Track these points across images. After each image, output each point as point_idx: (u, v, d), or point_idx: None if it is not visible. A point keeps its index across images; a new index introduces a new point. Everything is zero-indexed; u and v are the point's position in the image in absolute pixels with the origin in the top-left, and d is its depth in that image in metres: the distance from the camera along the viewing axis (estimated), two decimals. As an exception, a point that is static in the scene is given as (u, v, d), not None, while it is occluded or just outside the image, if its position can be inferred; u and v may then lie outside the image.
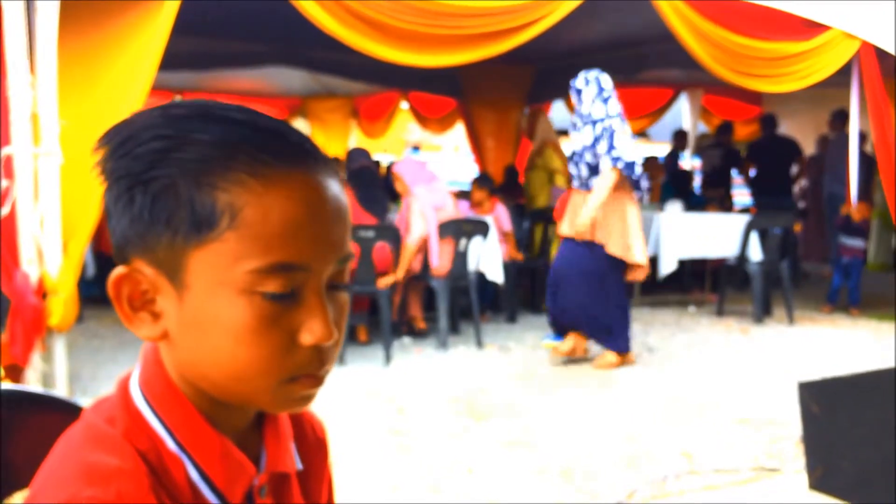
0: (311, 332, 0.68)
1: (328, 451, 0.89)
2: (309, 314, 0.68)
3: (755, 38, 5.73)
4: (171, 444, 0.70)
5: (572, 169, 5.04)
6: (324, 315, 0.69)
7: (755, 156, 8.75)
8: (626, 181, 4.86)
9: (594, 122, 4.83)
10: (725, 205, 8.45)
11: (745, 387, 4.66)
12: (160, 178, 0.66)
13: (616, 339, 5.03)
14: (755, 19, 5.65)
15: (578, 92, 4.91)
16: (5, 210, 3.38)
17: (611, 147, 4.75)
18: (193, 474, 0.71)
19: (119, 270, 0.70)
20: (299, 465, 0.81)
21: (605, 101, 4.86)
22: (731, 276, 7.14)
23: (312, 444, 0.86)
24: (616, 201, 4.84)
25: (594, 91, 4.85)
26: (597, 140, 4.79)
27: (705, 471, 3.37)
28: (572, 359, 5.33)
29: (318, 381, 0.71)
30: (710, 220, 7.07)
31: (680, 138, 10.06)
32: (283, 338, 0.68)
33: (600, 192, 4.76)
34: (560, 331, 5.21)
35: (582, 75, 4.93)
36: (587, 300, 4.95)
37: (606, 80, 4.90)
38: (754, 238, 6.66)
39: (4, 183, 3.38)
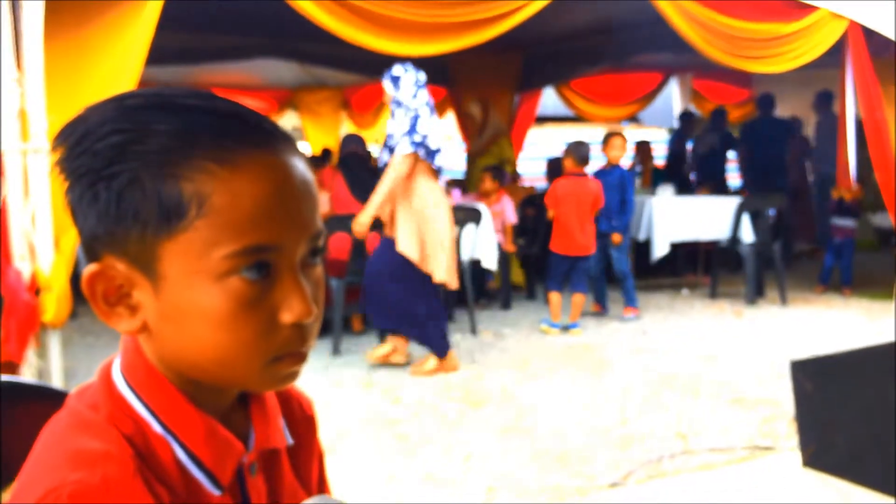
0: (290, 311, 0.69)
1: (317, 427, 0.89)
2: (286, 293, 0.69)
3: (745, 19, 5.73)
4: (156, 426, 0.71)
5: (384, 156, 4.60)
6: (301, 293, 0.69)
7: (749, 137, 8.74)
8: (430, 171, 4.54)
9: (406, 109, 4.54)
10: (719, 188, 8.46)
11: (739, 367, 4.68)
12: (123, 172, 0.65)
13: (430, 340, 4.62)
14: (744, 1, 5.66)
15: (396, 79, 4.62)
16: (-5, 207, 3.38)
17: (412, 131, 4.45)
18: (181, 455, 0.71)
19: (91, 268, 0.69)
20: (290, 440, 0.81)
21: (419, 90, 4.69)
22: (724, 258, 7.16)
23: (300, 420, 0.86)
24: (410, 194, 4.48)
25: (412, 79, 4.63)
26: (409, 133, 4.50)
27: (700, 450, 3.40)
28: (568, 344, 5.35)
29: (301, 357, 0.72)
30: (702, 202, 7.09)
31: (688, 121, 9.96)
32: (264, 319, 0.68)
33: (388, 181, 4.41)
34: (381, 333, 4.95)
35: (398, 65, 4.70)
36: (396, 299, 4.56)
37: (421, 74, 4.72)
38: (746, 220, 6.68)
39: (-6, 180, 3.38)
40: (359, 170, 5.71)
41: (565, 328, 5.69)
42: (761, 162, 8.44)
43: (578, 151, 5.73)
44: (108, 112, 0.68)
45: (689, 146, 9.69)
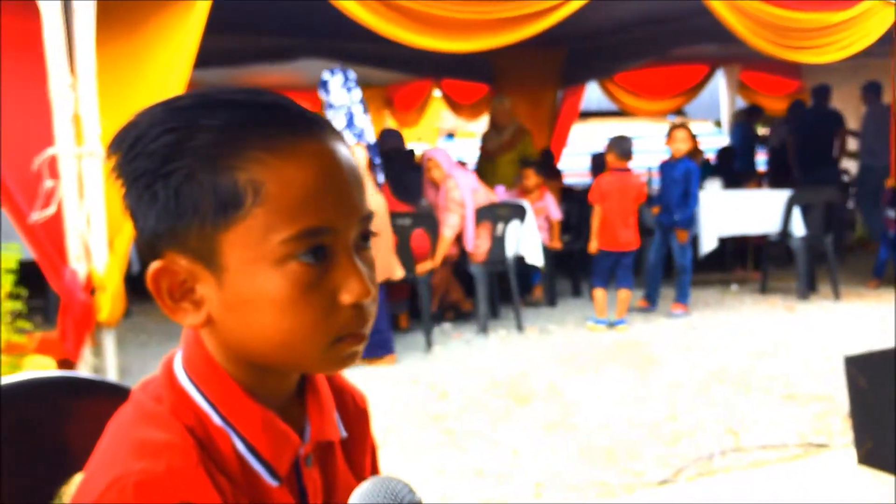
0: (349, 292, 0.70)
1: (370, 420, 0.91)
2: (344, 274, 0.71)
3: (792, 8, 5.61)
4: (216, 418, 0.73)
5: None
6: (358, 273, 0.71)
7: (799, 128, 8.58)
8: (372, 167, 4.70)
9: (339, 109, 4.83)
10: (790, 180, 8.31)
11: (791, 363, 4.60)
12: (179, 169, 0.68)
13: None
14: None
15: (325, 83, 4.93)
16: (52, 209, 3.47)
17: (350, 125, 4.72)
18: (240, 446, 0.73)
19: (155, 265, 0.71)
20: (343, 433, 0.83)
21: (349, 90, 4.84)
22: (775, 252, 7.03)
23: (354, 414, 0.88)
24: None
25: (340, 81, 4.84)
26: (347, 126, 4.80)
27: (752, 447, 3.35)
28: (615, 340, 5.31)
29: (361, 338, 0.73)
30: (751, 196, 6.97)
31: (754, 112, 9.75)
32: (324, 301, 0.70)
33: None
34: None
35: (326, 70, 4.98)
36: None
37: (351, 73, 4.90)
38: (797, 213, 6.55)
39: (50, 183, 3.47)
40: (403, 168, 5.73)
41: (612, 324, 5.65)
42: (811, 153, 8.28)
43: (621, 146, 5.69)
44: (158, 114, 0.70)
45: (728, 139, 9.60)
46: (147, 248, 0.72)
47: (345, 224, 0.71)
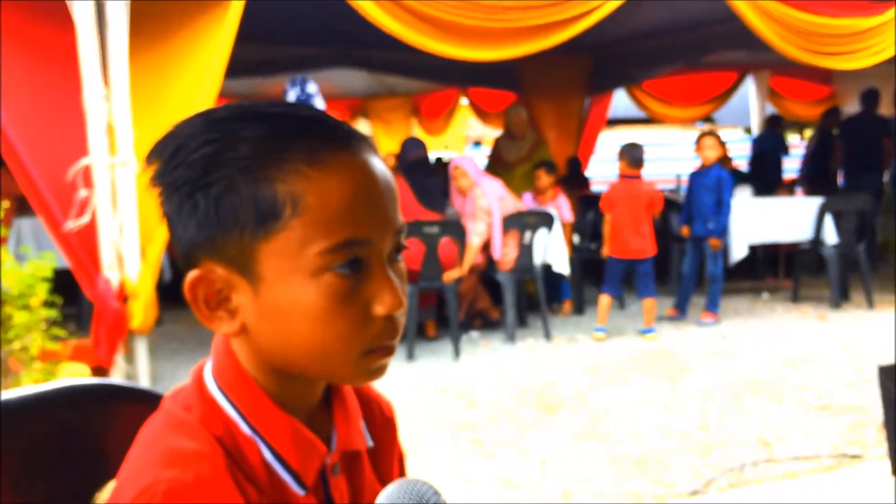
0: (382, 304, 0.72)
1: (397, 429, 0.91)
2: (378, 287, 0.72)
3: (823, 14, 5.56)
4: (244, 427, 0.74)
5: None
6: (392, 286, 0.72)
7: (848, 132, 8.46)
8: None
9: None
10: (828, 187, 8.21)
11: (824, 373, 4.53)
12: (219, 179, 0.69)
13: None
14: (822, -3, 5.49)
15: (284, 94, 5.00)
16: (86, 218, 3.52)
17: None
18: (268, 455, 0.74)
19: (192, 274, 0.72)
20: (370, 443, 0.84)
21: (311, 102, 4.88)
22: (806, 260, 6.94)
23: (381, 423, 0.88)
24: None
25: (297, 94, 4.88)
26: None
27: (784, 458, 3.30)
28: (643, 348, 5.27)
29: (391, 350, 0.75)
30: (782, 203, 6.89)
31: (832, 115, 9.61)
32: (358, 312, 0.71)
33: None
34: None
35: (288, 82, 5.03)
36: None
37: (311, 85, 4.92)
38: (829, 220, 6.46)
39: (84, 192, 3.52)
40: (426, 176, 5.74)
41: (641, 333, 5.61)
42: (858, 158, 8.16)
43: (631, 154, 5.65)
44: (198, 126, 0.71)
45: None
46: (184, 256, 0.73)
47: (380, 237, 0.72)
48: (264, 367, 0.75)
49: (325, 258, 0.69)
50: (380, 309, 0.72)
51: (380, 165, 0.74)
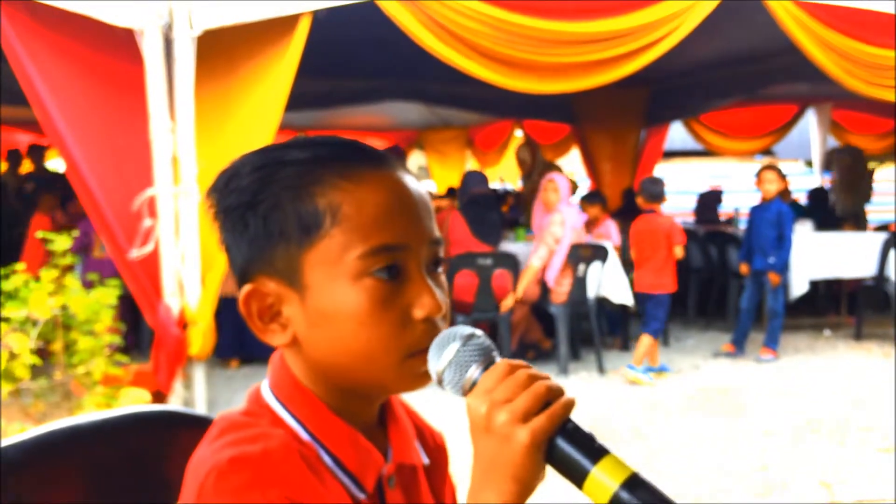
0: (422, 307, 0.75)
1: (448, 459, 0.93)
2: (417, 291, 0.76)
3: (886, 46, 5.45)
4: (304, 434, 0.77)
5: None
6: (430, 290, 0.76)
7: None
8: None
9: None
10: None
11: (889, 413, 4.38)
12: (266, 199, 0.75)
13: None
14: (882, 27, 5.38)
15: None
16: (150, 247, 3.62)
17: None
18: (327, 460, 0.76)
19: (246, 288, 0.78)
20: (426, 460, 0.86)
21: None
22: (870, 297, 6.75)
23: (433, 449, 0.90)
24: None
25: None
26: None
27: (846, 501, 3.19)
28: (700, 385, 5.17)
29: None
30: (845, 238, 6.73)
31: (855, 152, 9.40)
32: (399, 315, 0.75)
33: None
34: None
35: None
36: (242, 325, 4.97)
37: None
38: (893, 256, 6.29)
39: (149, 221, 3.63)
40: (485, 211, 5.75)
41: (628, 368, 5.31)
42: None
43: (648, 189, 5.57)
44: (249, 157, 0.79)
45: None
46: (240, 276, 0.79)
47: (416, 243, 0.77)
48: (318, 379, 0.78)
49: (364, 262, 0.74)
50: (419, 312, 0.75)
51: (413, 181, 0.79)
